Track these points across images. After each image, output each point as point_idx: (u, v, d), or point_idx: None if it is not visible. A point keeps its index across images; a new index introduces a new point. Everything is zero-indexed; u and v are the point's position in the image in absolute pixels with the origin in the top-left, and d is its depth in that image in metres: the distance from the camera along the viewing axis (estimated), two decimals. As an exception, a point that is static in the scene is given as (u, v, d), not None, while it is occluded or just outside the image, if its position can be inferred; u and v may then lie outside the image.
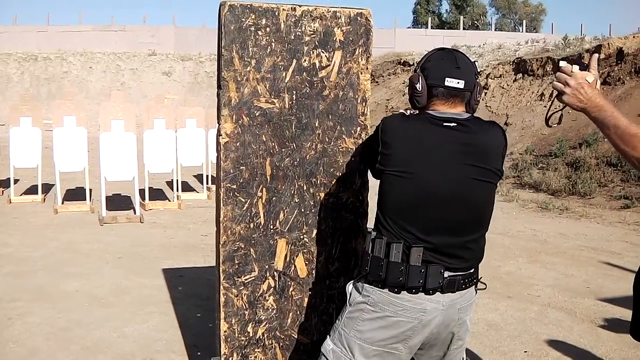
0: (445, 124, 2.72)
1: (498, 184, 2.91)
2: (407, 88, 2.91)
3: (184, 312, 5.82)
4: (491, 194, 2.83)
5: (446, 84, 2.76)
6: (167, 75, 36.09)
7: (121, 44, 38.14)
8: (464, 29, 46.99)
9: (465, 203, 2.71)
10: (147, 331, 5.37)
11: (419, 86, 2.80)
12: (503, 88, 20.83)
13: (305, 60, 3.60)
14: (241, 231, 3.59)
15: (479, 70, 2.91)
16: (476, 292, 2.89)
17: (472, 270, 2.79)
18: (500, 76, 21.48)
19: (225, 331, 3.62)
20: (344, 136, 3.69)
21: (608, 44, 17.92)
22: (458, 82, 2.76)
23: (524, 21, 54.48)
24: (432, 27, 48.11)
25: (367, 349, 2.72)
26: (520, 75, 20.68)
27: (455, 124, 2.73)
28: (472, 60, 2.91)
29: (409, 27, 54.29)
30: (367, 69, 3.71)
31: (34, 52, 36.55)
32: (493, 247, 8.49)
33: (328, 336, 2.87)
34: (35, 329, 5.41)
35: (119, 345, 5.09)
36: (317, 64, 3.62)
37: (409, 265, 2.64)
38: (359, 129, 3.70)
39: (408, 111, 3.02)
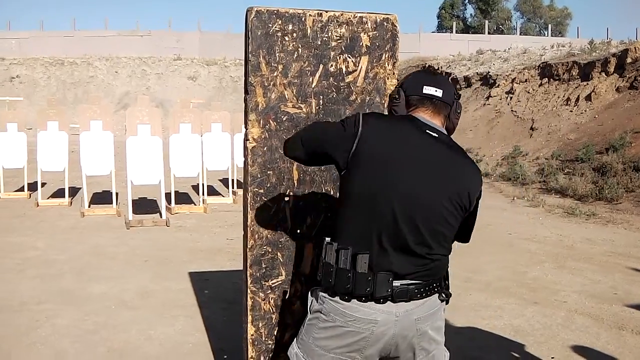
0: (427, 131, 2.67)
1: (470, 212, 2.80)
2: (387, 105, 2.88)
3: (210, 316, 5.84)
4: (455, 214, 2.70)
5: (424, 91, 2.72)
6: (192, 80, 36.31)
7: (146, 49, 38.46)
8: (488, 33, 46.89)
9: (430, 217, 2.62)
10: (173, 334, 5.40)
11: (397, 96, 2.78)
12: (529, 93, 20.74)
13: (332, 66, 3.61)
14: (268, 235, 3.61)
15: (459, 94, 2.86)
16: (446, 302, 2.79)
17: (430, 280, 2.69)
18: (526, 81, 21.40)
19: (252, 335, 3.63)
20: (370, 141, 3.69)
21: (634, 47, 17.79)
22: (436, 91, 2.72)
23: (549, 25, 54.23)
24: (456, 32, 48.04)
25: (325, 357, 2.68)
26: (545, 79, 20.59)
27: (437, 135, 2.68)
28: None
29: (433, 32, 54.30)
30: (393, 74, 3.72)
31: (60, 57, 36.94)
32: (519, 253, 8.48)
33: (295, 339, 2.84)
34: (62, 331, 5.45)
35: (146, 349, 5.11)
36: (344, 69, 3.63)
37: (356, 273, 2.59)
38: (385, 134, 3.70)
39: None
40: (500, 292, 6.81)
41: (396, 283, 2.60)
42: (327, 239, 2.72)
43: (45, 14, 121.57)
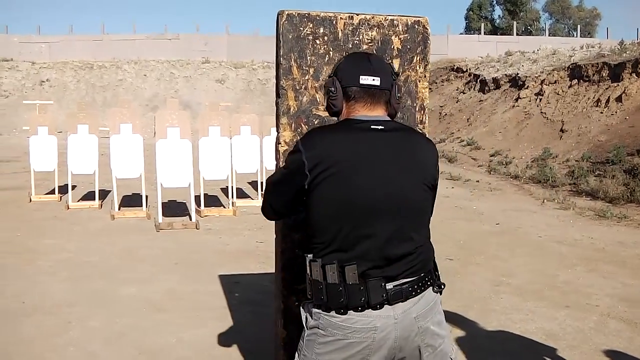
0: (372, 126, 2.62)
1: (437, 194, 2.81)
2: (323, 95, 2.80)
3: (240, 319, 5.85)
4: (429, 198, 2.72)
5: (361, 82, 2.65)
6: (221, 83, 36.43)
7: (175, 52, 38.66)
8: (517, 34, 46.62)
9: (405, 208, 2.60)
10: (203, 337, 5.41)
11: (333, 89, 2.70)
12: (558, 94, 20.59)
13: (363, 69, 3.60)
14: (300, 239, 3.59)
15: (396, 71, 2.80)
16: (440, 293, 2.74)
17: (422, 275, 2.65)
18: (555, 82, 21.24)
19: (284, 338, 3.62)
20: (402, 144, 3.68)
21: (666, 48, 17.63)
22: (373, 79, 2.65)
23: (578, 26, 53.87)
24: (484, 33, 47.82)
25: None
26: (575, 81, 20.42)
27: (383, 127, 2.63)
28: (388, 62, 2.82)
29: (461, 34, 54.07)
30: (425, 76, 3.69)
31: (89, 61, 37.26)
32: (549, 256, 8.41)
33: (297, 355, 2.78)
34: (93, 333, 5.49)
35: (176, 351, 5.14)
36: (375, 72, 3.61)
37: (347, 285, 2.54)
38: (417, 137, 3.69)
39: None
40: (532, 295, 6.76)
41: (389, 285, 2.56)
42: (309, 256, 2.66)
43: (74, 19, 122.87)
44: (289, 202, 2.78)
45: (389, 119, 2.72)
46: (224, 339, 5.33)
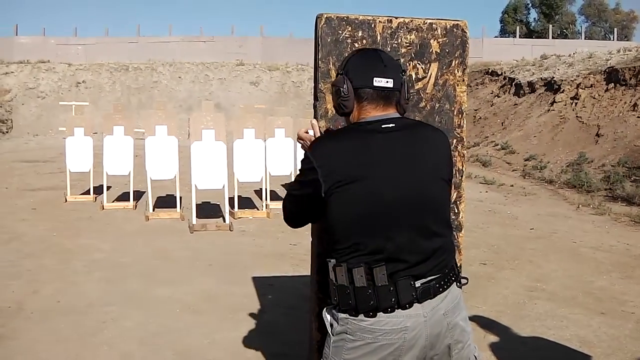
0: (383, 126, 2.59)
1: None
2: (332, 94, 2.76)
3: (273, 321, 5.87)
4: (447, 191, 2.72)
5: (375, 84, 2.62)
6: (255, 85, 36.49)
7: (209, 55, 38.79)
8: (552, 37, 46.23)
9: (425, 205, 2.58)
10: (237, 339, 5.43)
11: (344, 89, 2.66)
12: (594, 98, 20.37)
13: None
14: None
15: (404, 69, 2.76)
16: (461, 287, 2.73)
17: (446, 271, 2.64)
18: (591, 86, 21.01)
19: (318, 341, 3.62)
20: (439, 148, 3.66)
21: None
22: (387, 81, 2.63)
23: (615, 29, 53.27)
24: (520, 36, 47.47)
25: None
26: (612, 85, 20.18)
27: (394, 125, 2.60)
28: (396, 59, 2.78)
29: (496, 37, 53.80)
30: (463, 80, 3.68)
31: (125, 63, 37.48)
32: (584, 262, 8.32)
33: None
34: (128, 333, 5.54)
35: (210, 352, 5.16)
36: (414, 76, 3.61)
37: (376, 287, 2.50)
38: (455, 141, 3.67)
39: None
40: (566, 301, 6.69)
41: (417, 284, 2.55)
42: (332, 261, 2.62)
43: (110, 21, 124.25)
44: (305, 211, 2.77)
45: (399, 116, 2.70)
46: (257, 342, 5.34)
